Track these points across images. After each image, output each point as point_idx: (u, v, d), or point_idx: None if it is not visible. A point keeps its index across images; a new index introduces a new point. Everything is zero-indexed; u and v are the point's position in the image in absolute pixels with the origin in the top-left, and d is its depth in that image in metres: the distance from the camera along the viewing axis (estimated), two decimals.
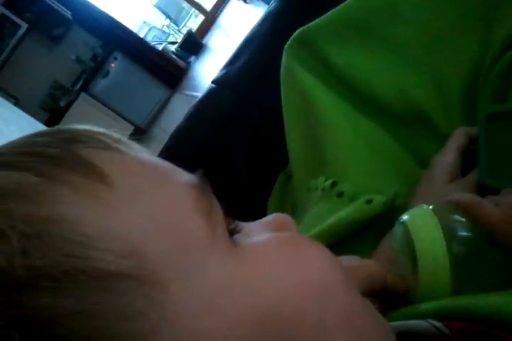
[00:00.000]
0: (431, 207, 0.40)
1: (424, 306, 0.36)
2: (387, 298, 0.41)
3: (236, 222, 0.30)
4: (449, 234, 0.38)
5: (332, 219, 0.58)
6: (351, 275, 0.32)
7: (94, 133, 0.28)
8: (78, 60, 4.23)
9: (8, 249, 0.21)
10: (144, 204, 0.25)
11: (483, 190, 0.51)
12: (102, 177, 0.25)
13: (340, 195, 0.60)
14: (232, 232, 0.29)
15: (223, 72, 1.00)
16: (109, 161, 0.26)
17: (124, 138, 0.29)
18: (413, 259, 0.38)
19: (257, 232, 0.31)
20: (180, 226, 0.26)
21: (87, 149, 0.26)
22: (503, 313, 0.31)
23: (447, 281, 0.37)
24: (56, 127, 0.29)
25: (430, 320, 0.33)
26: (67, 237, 0.22)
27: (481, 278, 0.38)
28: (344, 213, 0.57)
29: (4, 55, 4.07)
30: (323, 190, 0.63)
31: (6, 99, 3.25)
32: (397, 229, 0.42)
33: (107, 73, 4.28)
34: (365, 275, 0.38)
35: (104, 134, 0.28)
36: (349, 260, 0.40)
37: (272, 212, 0.80)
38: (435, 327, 0.32)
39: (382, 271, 0.40)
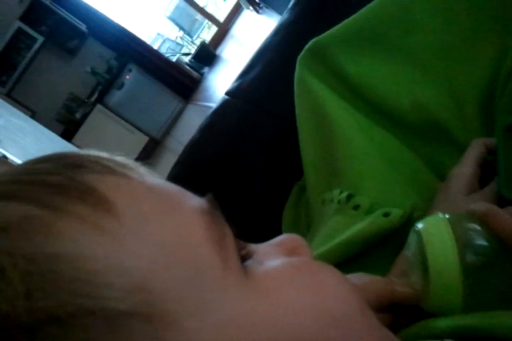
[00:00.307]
0: (447, 216, 0.40)
1: (440, 324, 0.35)
2: (400, 311, 0.40)
3: (247, 246, 0.29)
4: (465, 243, 0.37)
5: (348, 232, 0.57)
6: (367, 299, 0.31)
7: (98, 157, 0.27)
8: (93, 72, 4.28)
9: (10, 290, 0.20)
10: (151, 234, 0.24)
11: (502, 202, 0.50)
12: (108, 206, 0.24)
13: (356, 207, 0.59)
14: (243, 258, 0.28)
15: (237, 83, 1.00)
16: (114, 187, 0.25)
17: (130, 162, 0.28)
18: (425, 265, 0.38)
19: (269, 257, 0.30)
20: (190, 256, 0.25)
21: (91, 174, 0.25)
22: None
23: (459, 289, 0.36)
24: (57, 152, 0.27)
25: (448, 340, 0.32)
26: (72, 275, 0.21)
27: (495, 288, 0.37)
28: (360, 226, 0.56)
29: (21, 68, 4.13)
30: (338, 202, 0.61)
31: (23, 111, 3.30)
32: (411, 237, 0.42)
33: (122, 85, 4.32)
34: (372, 294, 0.38)
35: (108, 159, 0.27)
36: (357, 278, 0.40)
37: (287, 225, 0.80)
38: None
39: (388, 288, 0.40)
